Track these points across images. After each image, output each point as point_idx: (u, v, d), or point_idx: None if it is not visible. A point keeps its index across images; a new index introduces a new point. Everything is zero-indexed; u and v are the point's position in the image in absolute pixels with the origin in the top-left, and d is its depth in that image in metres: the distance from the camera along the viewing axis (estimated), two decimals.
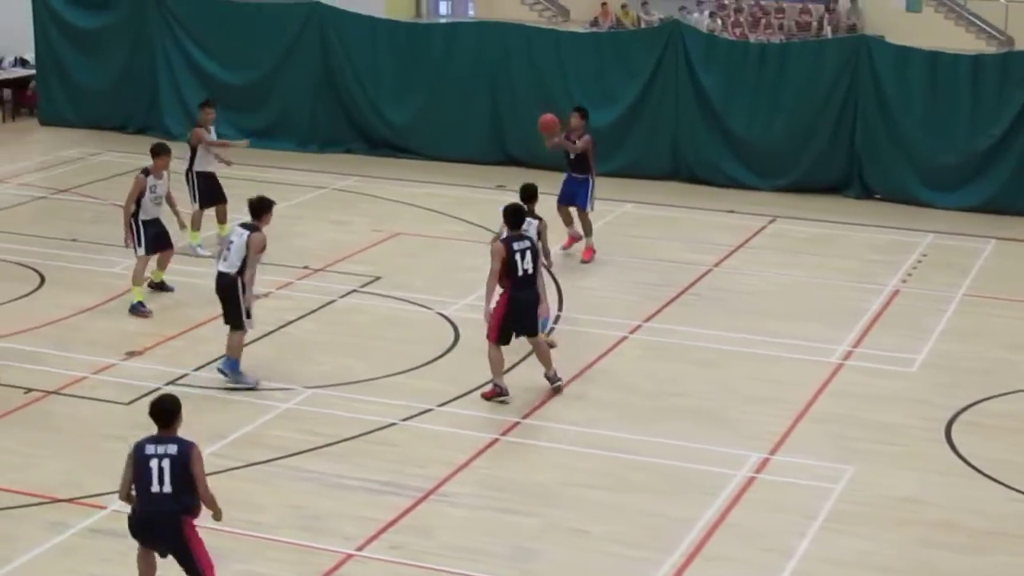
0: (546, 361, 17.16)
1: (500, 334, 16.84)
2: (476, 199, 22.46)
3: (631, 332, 19.51)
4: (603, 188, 25.51)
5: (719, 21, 43.99)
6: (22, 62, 33.55)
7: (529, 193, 18.51)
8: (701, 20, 43.13)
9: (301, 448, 15.55)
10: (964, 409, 17.09)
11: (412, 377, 17.67)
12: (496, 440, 15.92)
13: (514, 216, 17.12)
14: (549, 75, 28.30)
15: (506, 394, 16.93)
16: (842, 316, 20.37)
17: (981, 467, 15.53)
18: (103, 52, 31.29)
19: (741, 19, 44.98)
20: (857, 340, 19.40)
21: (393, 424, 16.24)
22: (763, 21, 45.10)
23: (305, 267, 21.69)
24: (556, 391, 17.14)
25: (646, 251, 23.31)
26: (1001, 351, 19.14)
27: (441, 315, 19.93)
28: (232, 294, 16.99)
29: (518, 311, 16.85)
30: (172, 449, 11.45)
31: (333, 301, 20.44)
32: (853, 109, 26.98)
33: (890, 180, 27.03)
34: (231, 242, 17.19)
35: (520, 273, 16.73)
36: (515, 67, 28.52)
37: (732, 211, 25.72)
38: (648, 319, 19.98)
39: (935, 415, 16.87)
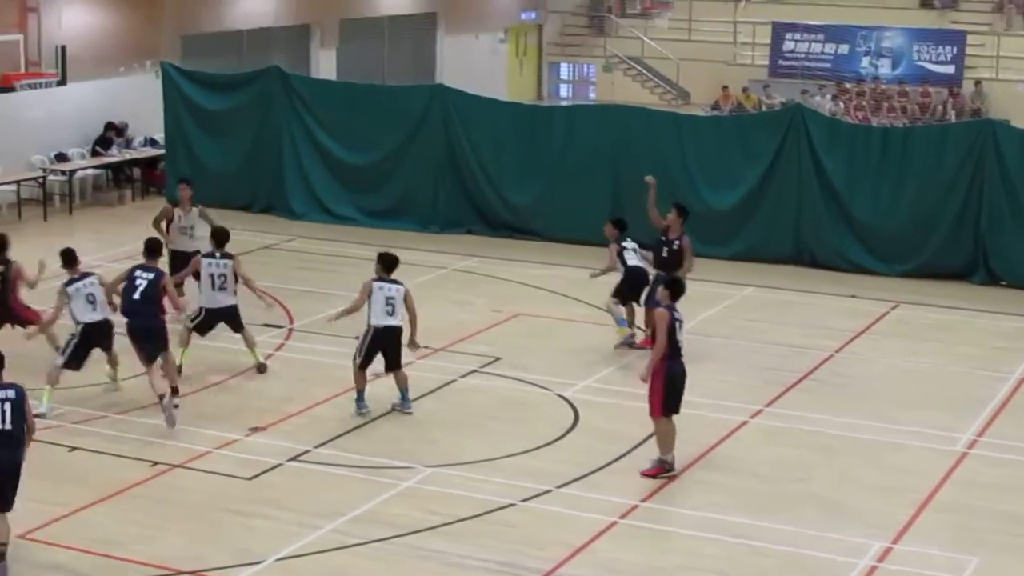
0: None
1: (664, 407, 16.91)
2: (597, 280, 22.52)
3: (752, 417, 19.38)
4: (723, 272, 25.55)
5: (841, 104, 43.84)
6: (151, 142, 34.16)
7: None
8: (823, 103, 43.01)
9: (420, 526, 15.56)
10: None
11: (531, 458, 17.67)
12: (615, 523, 15.84)
13: (675, 285, 17.35)
14: (670, 158, 28.30)
15: (672, 469, 16.93)
16: (967, 403, 20.10)
17: None
18: (230, 133, 31.80)
19: (863, 102, 44.78)
20: (982, 428, 19.13)
21: (512, 504, 16.22)
22: (885, 105, 44.89)
23: (425, 347, 21.76)
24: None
25: (767, 335, 23.18)
26: None
27: (560, 396, 19.93)
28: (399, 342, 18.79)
29: (678, 383, 17.01)
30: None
31: (453, 381, 20.51)
32: (978, 194, 26.72)
33: (1016, 266, 26.69)
34: (391, 297, 18.52)
35: (678, 344, 16.94)
36: (636, 149, 28.56)
37: (854, 296, 25.54)
38: (769, 404, 19.84)
39: None
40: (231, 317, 20.61)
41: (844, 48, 47.64)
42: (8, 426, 13.83)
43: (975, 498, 16.80)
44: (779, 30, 48.03)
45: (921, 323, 24.26)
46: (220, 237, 20.72)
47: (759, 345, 22.67)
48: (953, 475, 17.52)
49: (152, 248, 19.41)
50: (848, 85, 45.70)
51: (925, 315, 24.72)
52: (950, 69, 46.32)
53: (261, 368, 20.65)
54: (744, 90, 46.03)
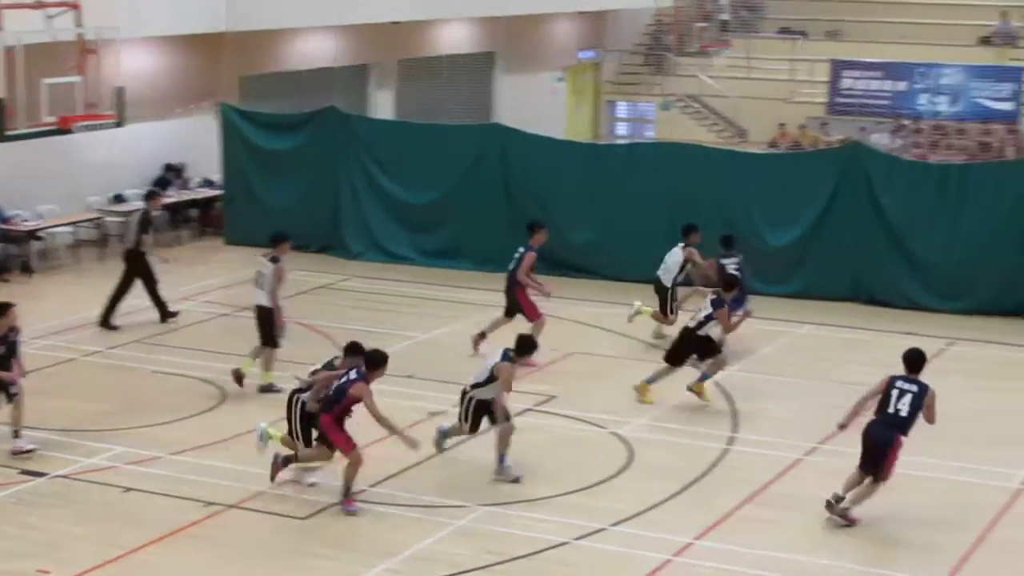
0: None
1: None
2: (654, 320, 22.56)
3: (806, 455, 19.30)
4: (781, 309, 25.47)
5: (899, 141, 43.70)
6: (208, 183, 34.38)
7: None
8: (881, 140, 42.88)
9: (475, 565, 15.57)
10: None
11: (585, 496, 17.64)
12: (669, 561, 15.80)
13: (915, 359, 17.24)
14: (728, 196, 28.29)
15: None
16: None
17: None
18: (288, 172, 31.96)
19: (921, 139, 44.61)
20: None
21: (566, 543, 16.20)
22: (943, 142, 44.71)
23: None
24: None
25: (826, 373, 23.08)
26: None
27: (615, 434, 19.91)
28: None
29: (865, 442, 16.99)
30: None
31: None
32: None
33: None
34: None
35: (889, 408, 16.85)
36: (694, 187, 28.53)
37: (911, 333, 25.37)
38: (823, 441, 19.74)
39: None
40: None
41: (902, 85, 47.50)
42: None
43: None
44: (837, 67, 47.93)
45: (978, 360, 24.10)
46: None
47: (818, 383, 22.57)
48: (1010, 511, 17.40)
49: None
50: (906, 122, 45.56)
51: (982, 352, 24.58)
52: (1009, 106, 46.10)
53: (239, 378, 21.36)
54: (802, 128, 45.96)
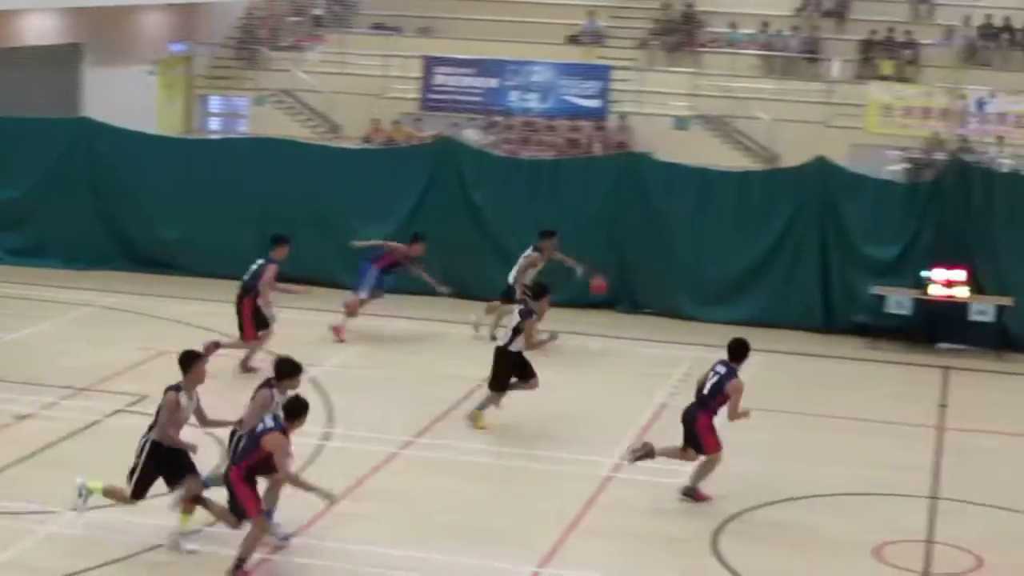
0: None
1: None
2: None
3: (401, 448, 19.37)
4: (377, 304, 25.44)
5: (490, 138, 44.37)
6: None
7: None
8: (473, 136, 43.44)
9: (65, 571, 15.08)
10: (731, 518, 17.28)
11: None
12: (267, 560, 15.59)
13: (734, 347, 18.10)
14: (321, 190, 28.24)
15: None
16: (612, 430, 20.47)
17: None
18: None
19: (512, 136, 45.40)
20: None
21: (161, 546, 15.83)
22: (534, 138, 45.60)
23: (69, 387, 21.15)
24: None
25: (420, 367, 23.25)
26: (763, 462, 19.38)
27: (210, 434, 19.52)
28: None
29: (682, 420, 18.07)
30: None
31: (98, 421, 19.94)
32: (624, 225, 27.36)
33: (659, 295, 27.43)
34: None
35: (704, 390, 17.94)
36: (287, 182, 28.36)
37: (482, 324, 25.52)
38: (419, 434, 19.87)
39: (704, 525, 17.02)
40: None
41: (494, 82, 48.22)
42: None
43: (621, 521, 17.17)
44: (430, 64, 48.37)
45: (570, 351, 24.61)
46: None
47: (413, 377, 22.72)
48: (598, 499, 17.84)
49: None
50: (498, 119, 46.31)
51: (574, 343, 25.11)
52: (596, 103, 47.33)
53: None
54: (396, 123, 46.21)
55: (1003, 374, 25.10)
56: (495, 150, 39.64)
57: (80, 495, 16.16)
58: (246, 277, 22.77)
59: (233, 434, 16.11)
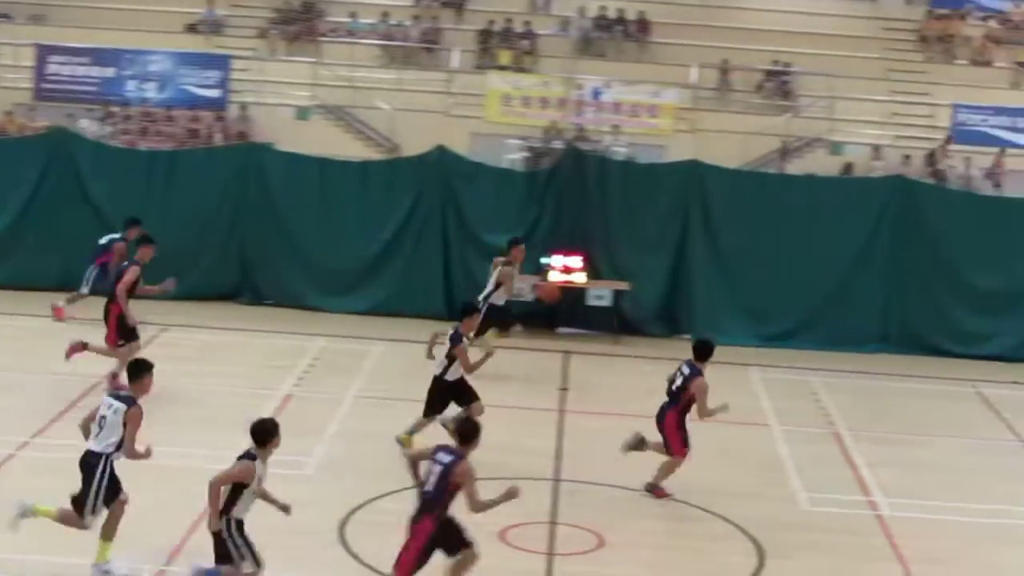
0: None
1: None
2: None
3: (18, 449, 18.82)
4: None
5: (108, 128, 43.41)
6: None
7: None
8: (90, 127, 42.43)
9: None
10: (358, 508, 17.33)
11: None
12: None
13: (698, 347, 18.51)
14: None
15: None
16: (234, 424, 20.23)
17: (374, 565, 15.78)
18: None
19: (130, 126, 44.49)
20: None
21: None
22: (152, 128, 44.79)
23: None
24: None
25: (39, 365, 22.63)
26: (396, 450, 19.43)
27: None
28: None
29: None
30: None
31: None
32: (246, 216, 27.16)
33: (282, 286, 27.34)
34: None
35: (672, 389, 18.40)
36: None
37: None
38: (37, 434, 19.34)
39: (331, 516, 17.02)
40: None
41: (110, 71, 47.15)
42: None
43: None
44: (43, 52, 47.04)
45: (190, 345, 24.31)
46: None
47: (34, 376, 22.08)
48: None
49: None
50: (115, 109, 45.35)
51: (194, 337, 24.82)
52: (216, 93, 46.77)
53: None
54: (9, 114, 44.79)
55: (618, 356, 25.88)
56: (113, 141, 38.85)
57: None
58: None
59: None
